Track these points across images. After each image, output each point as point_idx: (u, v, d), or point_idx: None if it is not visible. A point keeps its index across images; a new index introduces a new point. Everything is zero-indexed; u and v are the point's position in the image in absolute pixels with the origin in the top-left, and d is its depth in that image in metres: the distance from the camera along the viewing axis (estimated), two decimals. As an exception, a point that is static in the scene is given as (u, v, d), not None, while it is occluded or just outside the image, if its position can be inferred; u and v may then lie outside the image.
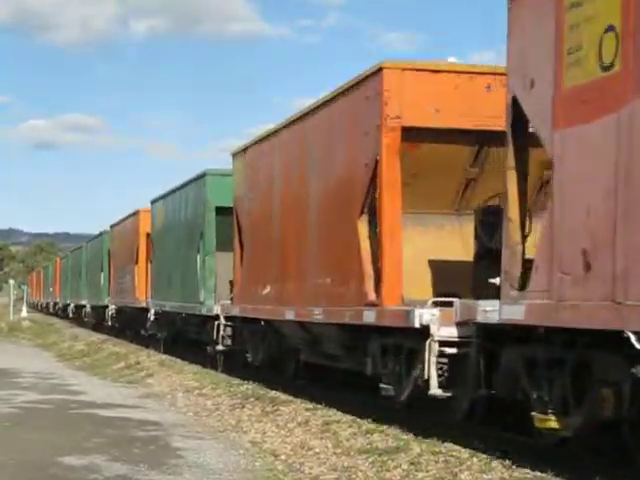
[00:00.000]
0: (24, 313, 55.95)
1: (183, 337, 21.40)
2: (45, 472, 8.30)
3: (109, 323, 31.34)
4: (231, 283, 16.48)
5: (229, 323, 16.06)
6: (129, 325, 28.61)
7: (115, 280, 30.32)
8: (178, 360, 19.52)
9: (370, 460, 8.20)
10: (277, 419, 10.98)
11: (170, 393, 14.72)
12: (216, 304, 16.69)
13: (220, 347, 16.15)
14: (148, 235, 24.83)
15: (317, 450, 9.04)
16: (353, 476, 7.85)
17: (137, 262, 26.13)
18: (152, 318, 23.00)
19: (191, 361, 18.86)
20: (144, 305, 24.45)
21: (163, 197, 22.73)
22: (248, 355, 15.22)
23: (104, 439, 10.13)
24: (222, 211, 17.21)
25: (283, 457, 8.96)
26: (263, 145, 14.37)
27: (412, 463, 7.84)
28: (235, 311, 15.52)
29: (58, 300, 54.25)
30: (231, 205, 16.01)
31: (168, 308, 21.05)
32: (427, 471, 7.57)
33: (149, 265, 24.93)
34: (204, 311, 17.46)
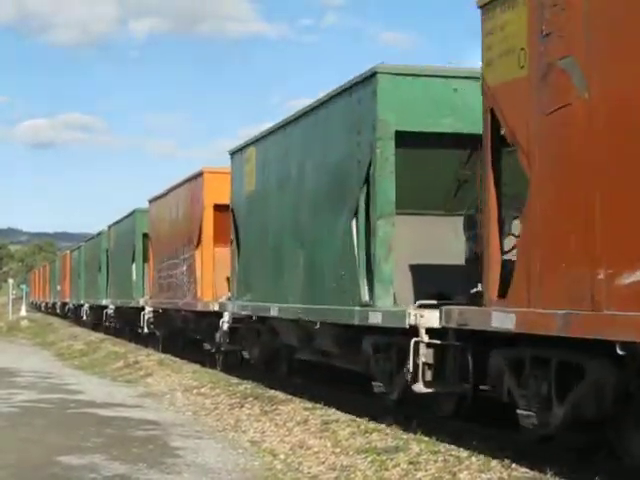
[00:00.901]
0: (23, 312, 56.04)
1: (296, 361, 14.16)
2: (44, 471, 8.31)
3: (145, 330, 23.05)
4: (415, 269, 10.31)
5: (433, 341, 8.83)
6: (179, 334, 21.26)
7: (157, 273, 22.23)
8: (177, 359, 19.48)
9: (369, 459, 8.19)
10: (276, 418, 10.98)
11: (169, 392, 14.71)
12: (409, 307, 9.05)
13: (421, 387, 8.94)
14: (218, 207, 17.44)
15: (316, 449, 9.03)
16: (352, 475, 7.85)
17: (199, 246, 18.10)
18: (225, 327, 16.01)
19: (190, 360, 18.83)
20: (213, 307, 16.62)
21: (259, 140, 14.27)
22: (527, 414, 7.54)
23: (103, 438, 10.14)
24: (406, 140, 9.76)
25: (282, 456, 8.95)
26: None
27: (411, 462, 7.82)
28: (514, 323, 7.32)
29: (67, 300, 45.94)
30: (428, 130, 9.82)
31: (276, 313, 12.88)
32: (426, 470, 7.57)
33: (216, 250, 17.68)
34: (376, 320, 9.57)
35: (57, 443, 9.84)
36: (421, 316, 8.76)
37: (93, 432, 10.59)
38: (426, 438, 8.61)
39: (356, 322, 10.11)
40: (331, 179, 11.10)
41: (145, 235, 24.41)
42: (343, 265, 10.54)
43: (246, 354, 15.38)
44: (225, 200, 16.20)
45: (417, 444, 8.39)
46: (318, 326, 11.47)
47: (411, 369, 8.89)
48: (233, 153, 15.73)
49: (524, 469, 7.19)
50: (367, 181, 9.90)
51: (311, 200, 11.79)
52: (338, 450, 8.81)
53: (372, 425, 9.58)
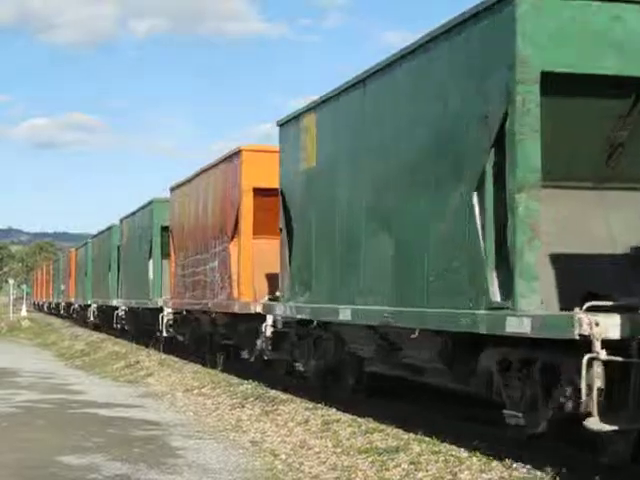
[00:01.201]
0: (24, 312, 56.12)
1: (366, 375, 11.56)
2: (45, 471, 8.31)
3: (164, 334, 20.93)
4: (557, 259, 7.75)
5: (613, 358, 6.50)
6: (206, 339, 18.57)
7: (180, 270, 19.52)
8: (178, 359, 19.48)
9: (370, 459, 8.19)
10: (277, 418, 10.97)
11: (170, 392, 14.70)
12: (577, 312, 6.50)
13: (600, 423, 6.48)
14: (259, 191, 14.89)
15: (317, 449, 9.03)
16: (353, 475, 7.85)
17: (235, 238, 15.44)
18: (269, 333, 13.43)
19: (190, 360, 18.83)
20: (255, 309, 13.95)
21: (321, 103, 11.39)
22: None
23: (104, 438, 10.14)
24: (551, 86, 7.24)
25: (283, 456, 8.95)
26: None
27: (412, 463, 7.83)
28: None
29: (72, 300, 43.42)
30: (581, 71, 7.36)
31: (348, 317, 10.24)
32: (427, 470, 7.57)
33: (255, 242, 15.05)
34: (522, 328, 7.02)
35: (58, 443, 9.84)
36: (596, 324, 6.32)
37: (94, 432, 10.59)
38: (427, 438, 8.61)
39: (483, 330, 7.53)
40: (436, 142, 8.46)
41: (164, 228, 21.84)
42: (456, 254, 7.96)
43: (299, 366, 12.65)
44: (266, 183, 14.08)
45: (418, 444, 8.39)
46: (417, 334, 8.85)
47: (583, 396, 6.43)
48: (283, 124, 12.65)
49: (525, 469, 7.19)
50: (498, 142, 7.40)
51: (404, 172, 9.13)
52: (339, 450, 8.81)
53: (373, 425, 9.57)
